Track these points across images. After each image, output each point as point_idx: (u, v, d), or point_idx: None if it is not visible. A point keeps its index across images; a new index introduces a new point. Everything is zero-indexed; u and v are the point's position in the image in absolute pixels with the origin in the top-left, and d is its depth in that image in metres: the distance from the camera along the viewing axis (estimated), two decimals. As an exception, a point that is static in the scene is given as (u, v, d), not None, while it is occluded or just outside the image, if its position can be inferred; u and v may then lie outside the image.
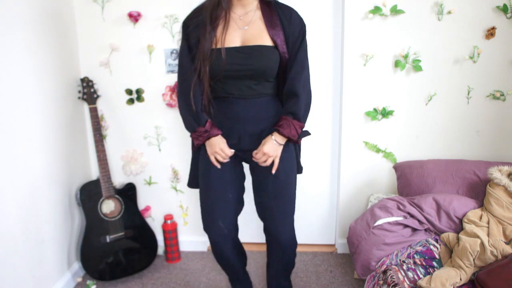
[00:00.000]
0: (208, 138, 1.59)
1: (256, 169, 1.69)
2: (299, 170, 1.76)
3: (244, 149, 1.65)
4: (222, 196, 1.67)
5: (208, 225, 1.69)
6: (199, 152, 1.70)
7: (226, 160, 1.62)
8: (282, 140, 1.58)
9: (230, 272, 1.88)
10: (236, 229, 1.78)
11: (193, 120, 1.59)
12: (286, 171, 1.65)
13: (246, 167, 1.77)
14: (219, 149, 1.59)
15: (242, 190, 1.76)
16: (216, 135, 1.59)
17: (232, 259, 1.80)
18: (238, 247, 1.84)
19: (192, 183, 1.77)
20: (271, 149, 1.58)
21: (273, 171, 1.61)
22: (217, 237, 1.70)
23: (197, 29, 1.54)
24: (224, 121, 1.62)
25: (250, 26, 1.54)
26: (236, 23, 1.55)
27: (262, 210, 1.74)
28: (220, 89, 1.59)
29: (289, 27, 1.55)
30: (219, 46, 1.53)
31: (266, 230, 1.79)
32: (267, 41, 1.54)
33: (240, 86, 1.57)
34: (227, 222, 1.68)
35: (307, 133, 1.66)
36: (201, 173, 1.69)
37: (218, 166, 1.63)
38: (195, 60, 1.54)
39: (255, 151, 1.61)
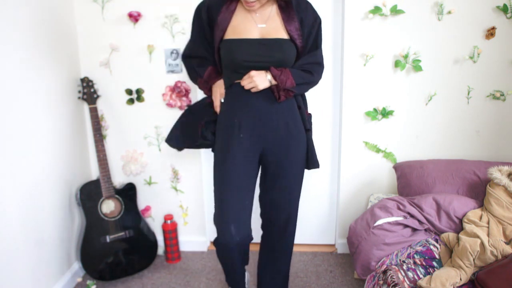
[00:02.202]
0: (210, 87, 1.72)
1: (267, 168, 1.72)
2: (309, 165, 1.76)
3: (260, 141, 1.65)
4: (239, 203, 1.64)
5: (221, 228, 1.65)
6: (190, 114, 1.79)
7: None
8: (272, 80, 1.57)
9: (229, 268, 1.84)
10: (248, 236, 1.71)
11: (194, 72, 1.73)
12: (294, 167, 1.70)
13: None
14: (219, 93, 1.70)
15: (254, 192, 1.75)
16: (215, 82, 1.71)
17: (236, 260, 1.76)
18: (244, 252, 1.80)
19: (170, 139, 1.82)
20: (258, 77, 1.55)
21: (244, 84, 1.59)
22: (227, 241, 1.64)
23: (213, 13, 1.60)
24: (240, 110, 1.62)
25: (268, 23, 1.58)
26: (254, 19, 1.58)
27: (265, 204, 1.79)
28: (236, 79, 1.62)
29: (306, 19, 1.60)
30: (238, 36, 1.57)
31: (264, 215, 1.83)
32: (285, 35, 1.59)
33: None
34: (240, 228, 1.64)
35: (290, 93, 1.61)
36: (219, 171, 1.67)
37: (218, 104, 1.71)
38: (204, 39, 1.66)
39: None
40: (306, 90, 1.70)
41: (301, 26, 1.59)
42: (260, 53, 1.56)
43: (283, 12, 1.58)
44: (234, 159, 1.62)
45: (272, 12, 1.59)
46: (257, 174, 1.73)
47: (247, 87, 1.57)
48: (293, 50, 1.60)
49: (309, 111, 1.81)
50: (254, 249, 2.47)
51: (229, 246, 1.64)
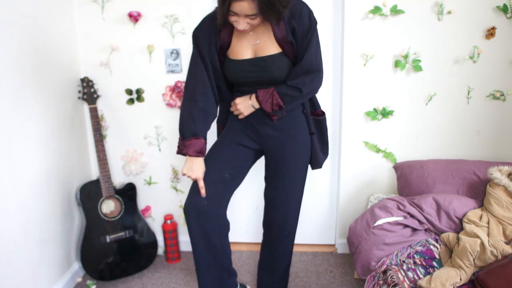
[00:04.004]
0: (182, 153, 1.58)
1: (268, 164, 1.76)
2: (312, 166, 1.77)
3: (259, 140, 1.68)
4: (219, 173, 1.63)
5: (192, 191, 1.61)
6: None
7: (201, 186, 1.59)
8: (256, 104, 1.60)
9: (197, 262, 1.70)
10: (218, 207, 1.65)
11: (182, 126, 1.60)
12: (293, 168, 1.71)
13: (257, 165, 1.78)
14: (199, 173, 1.57)
15: (243, 175, 1.76)
16: (191, 155, 1.56)
17: (202, 243, 1.64)
18: (217, 238, 1.67)
19: None
20: (242, 104, 1.62)
21: (231, 110, 1.67)
22: (196, 203, 1.59)
23: (207, 39, 1.58)
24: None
25: (262, 39, 1.56)
26: (247, 38, 1.57)
27: (266, 201, 1.82)
28: (239, 87, 1.68)
29: (299, 27, 1.52)
30: (234, 57, 1.59)
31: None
32: (276, 50, 1.56)
33: (257, 88, 1.62)
34: (212, 197, 1.60)
35: (281, 113, 1.61)
36: (209, 151, 1.71)
37: (203, 192, 1.59)
38: (207, 68, 1.60)
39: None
40: (303, 101, 1.67)
41: (293, 35, 1.53)
42: (251, 75, 1.58)
43: (275, 24, 1.52)
44: (228, 140, 1.70)
45: (266, 25, 1.54)
46: (251, 161, 1.76)
47: (235, 113, 1.66)
48: (286, 64, 1.57)
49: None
50: (255, 249, 2.48)
51: (196, 209, 1.59)
